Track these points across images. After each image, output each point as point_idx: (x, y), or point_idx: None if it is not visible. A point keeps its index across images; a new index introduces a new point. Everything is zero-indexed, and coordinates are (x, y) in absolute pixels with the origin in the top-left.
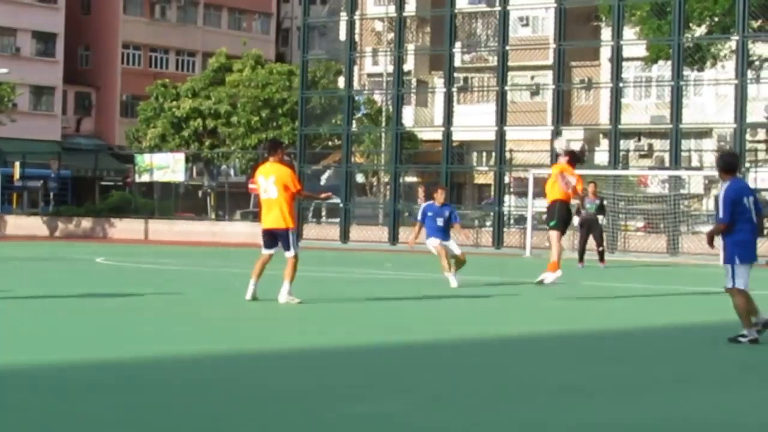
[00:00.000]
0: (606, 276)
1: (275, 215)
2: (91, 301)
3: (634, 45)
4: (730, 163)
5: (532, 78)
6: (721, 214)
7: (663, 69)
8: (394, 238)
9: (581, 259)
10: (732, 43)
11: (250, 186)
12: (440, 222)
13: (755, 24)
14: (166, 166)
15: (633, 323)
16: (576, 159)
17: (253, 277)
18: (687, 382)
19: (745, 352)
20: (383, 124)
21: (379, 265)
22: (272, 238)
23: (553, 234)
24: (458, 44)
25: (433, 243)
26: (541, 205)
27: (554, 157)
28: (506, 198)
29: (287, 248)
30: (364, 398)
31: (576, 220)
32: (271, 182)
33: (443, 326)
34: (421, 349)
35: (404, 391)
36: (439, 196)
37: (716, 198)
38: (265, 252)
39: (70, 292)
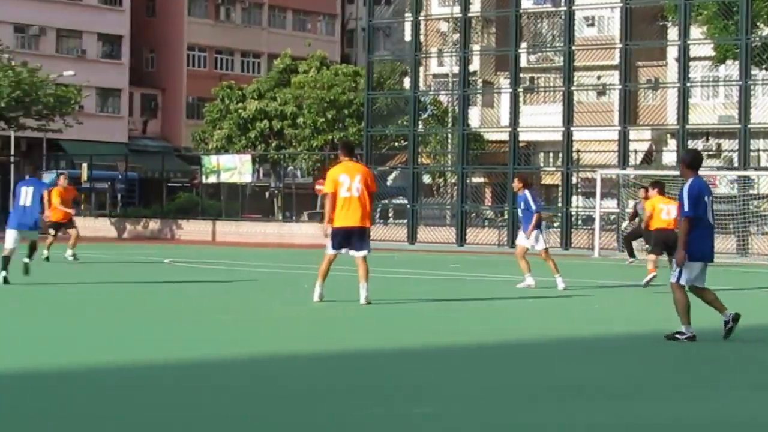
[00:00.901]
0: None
1: (359, 214)
2: (159, 302)
3: (701, 45)
4: (696, 159)
5: (599, 78)
6: (686, 208)
7: (730, 68)
8: (461, 239)
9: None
10: None
11: (317, 187)
12: (521, 213)
13: None
14: (233, 168)
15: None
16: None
17: (320, 278)
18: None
19: None
20: (449, 124)
21: (445, 266)
22: (347, 237)
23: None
24: (524, 44)
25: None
26: (609, 205)
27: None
28: (573, 199)
29: (362, 248)
30: (424, 399)
31: None
32: (357, 181)
33: (503, 326)
34: (484, 349)
35: (466, 392)
36: (516, 184)
37: (680, 194)
38: (332, 252)
39: (139, 294)
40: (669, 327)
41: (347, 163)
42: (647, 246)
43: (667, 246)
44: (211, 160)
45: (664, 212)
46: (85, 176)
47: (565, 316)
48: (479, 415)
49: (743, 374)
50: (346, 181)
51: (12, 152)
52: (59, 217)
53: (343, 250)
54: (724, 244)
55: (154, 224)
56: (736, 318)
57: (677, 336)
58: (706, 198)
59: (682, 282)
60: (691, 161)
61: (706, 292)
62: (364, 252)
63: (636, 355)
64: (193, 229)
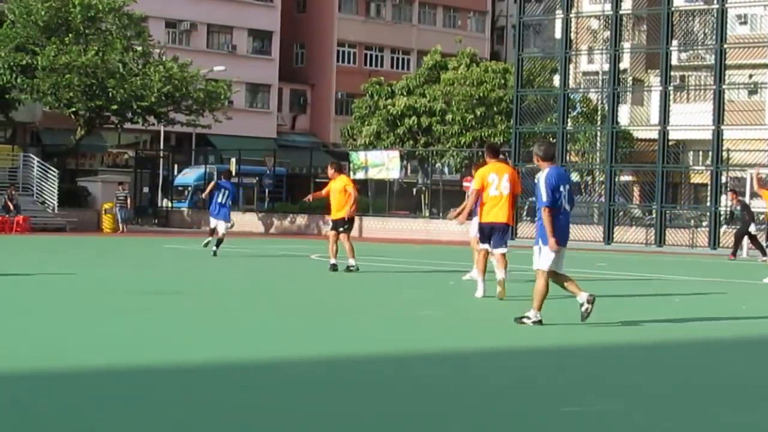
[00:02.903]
0: None
1: (504, 211)
2: (305, 297)
3: None
4: (548, 151)
5: (750, 77)
6: (543, 198)
7: None
8: (608, 238)
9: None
10: None
11: (465, 184)
12: None
13: None
14: (381, 164)
15: None
16: None
17: (480, 274)
18: None
19: None
20: (598, 122)
21: (591, 264)
22: (491, 232)
23: None
24: (675, 42)
25: None
26: (760, 205)
27: None
28: (723, 198)
29: (503, 245)
30: (579, 397)
31: None
32: (505, 179)
33: (653, 327)
34: (629, 348)
35: (615, 391)
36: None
37: (536, 183)
38: (483, 247)
39: (285, 289)
40: None
41: (495, 163)
42: None
43: None
44: (359, 156)
45: None
46: (233, 171)
47: (728, 315)
48: (679, 413)
49: None
50: (495, 179)
51: (162, 147)
52: None
53: (487, 246)
54: None
55: (301, 220)
56: (591, 300)
57: (524, 320)
58: (562, 187)
59: (543, 267)
60: (544, 153)
61: (561, 277)
62: (503, 249)
63: None
64: None
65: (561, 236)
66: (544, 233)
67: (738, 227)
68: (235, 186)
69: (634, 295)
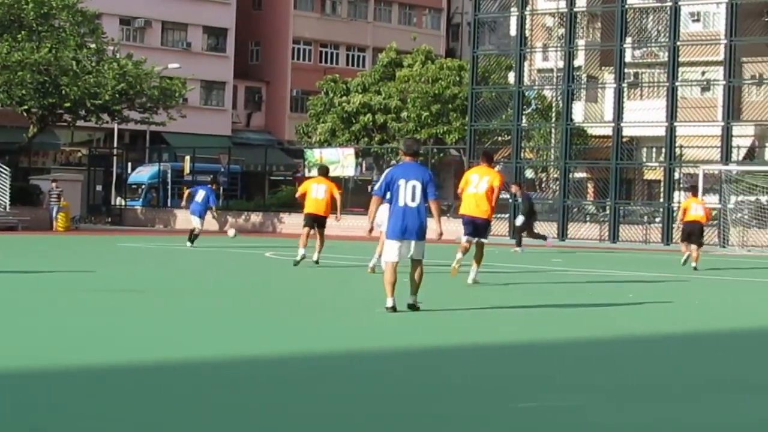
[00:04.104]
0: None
1: (483, 207)
2: (261, 295)
3: None
4: (410, 147)
5: (703, 74)
6: (376, 188)
7: None
8: (563, 234)
9: None
10: None
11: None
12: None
13: None
14: (336, 161)
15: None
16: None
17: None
18: None
19: None
20: (553, 119)
21: (547, 261)
22: (474, 226)
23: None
24: (629, 40)
25: None
26: (712, 201)
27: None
28: (675, 194)
29: (483, 236)
30: (534, 393)
31: None
32: (484, 181)
33: (614, 322)
34: (591, 345)
35: (580, 388)
36: None
37: None
38: (469, 240)
39: (238, 287)
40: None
41: (482, 167)
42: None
43: (692, 234)
44: (314, 154)
45: (692, 209)
46: (187, 169)
47: (681, 311)
48: (640, 409)
49: None
50: (475, 179)
51: (115, 144)
52: None
53: (475, 239)
54: None
55: (255, 217)
56: (393, 311)
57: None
58: (400, 181)
59: (386, 259)
60: (406, 148)
61: (391, 270)
62: (484, 240)
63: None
64: (294, 222)
65: (393, 230)
66: (387, 228)
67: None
68: (213, 189)
69: (589, 292)
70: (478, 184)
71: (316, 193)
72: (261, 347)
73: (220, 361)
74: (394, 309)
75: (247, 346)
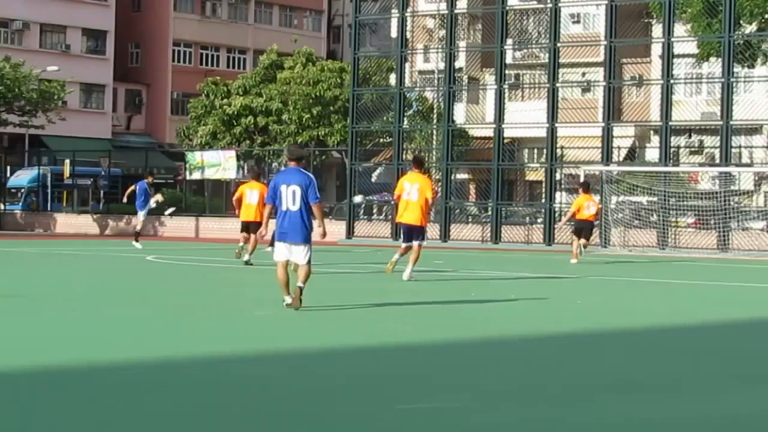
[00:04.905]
0: (656, 272)
1: (416, 214)
2: (143, 298)
3: (685, 42)
4: (293, 153)
5: (583, 75)
6: (266, 197)
7: (714, 66)
8: (445, 236)
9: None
10: None
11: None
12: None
13: None
14: (217, 164)
15: (684, 320)
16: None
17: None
18: (740, 378)
19: None
20: (434, 121)
21: (429, 262)
22: (410, 232)
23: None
24: (509, 41)
25: None
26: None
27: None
28: (557, 195)
29: (417, 239)
30: (415, 395)
31: None
32: (415, 189)
33: (494, 323)
34: (474, 345)
35: (461, 388)
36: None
37: None
38: (405, 245)
39: (119, 290)
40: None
41: (414, 174)
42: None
43: (582, 230)
44: (195, 157)
45: (585, 208)
46: (67, 173)
47: (563, 311)
48: (518, 411)
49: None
50: (408, 186)
51: None
52: None
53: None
54: (705, 240)
55: (136, 221)
56: (290, 308)
57: (284, 304)
58: (282, 187)
59: (275, 258)
60: (290, 154)
61: (282, 269)
62: (418, 242)
63: (651, 349)
64: (176, 225)
65: (278, 233)
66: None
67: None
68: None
69: (471, 293)
70: (410, 192)
71: (249, 198)
72: (139, 352)
73: (89, 368)
74: (291, 306)
75: (125, 351)
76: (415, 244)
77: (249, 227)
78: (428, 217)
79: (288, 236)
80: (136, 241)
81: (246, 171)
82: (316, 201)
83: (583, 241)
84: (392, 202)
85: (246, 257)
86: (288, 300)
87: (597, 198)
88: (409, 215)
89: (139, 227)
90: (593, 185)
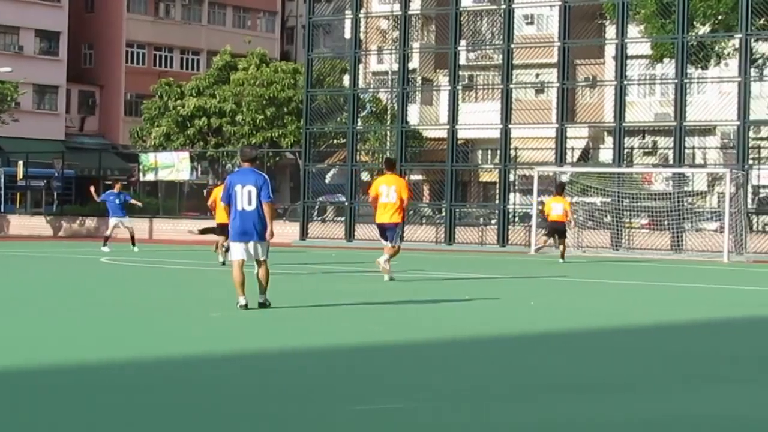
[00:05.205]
0: (610, 273)
1: (391, 213)
2: (98, 300)
3: (639, 43)
4: (245, 154)
5: (537, 76)
6: (222, 197)
7: (667, 67)
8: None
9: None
10: (735, 41)
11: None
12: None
13: (759, 22)
14: (171, 165)
15: (636, 320)
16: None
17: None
18: (691, 378)
19: (740, 346)
20: (388, 122)
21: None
22: (384, 231)
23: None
24: (463, 42)
25: None
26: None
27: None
28: (511, 196)
29: (392, 239)
30: (369, 396)
31: None
32: (392, 190)
33: (447, 324)
34: (427, 346)
35: (413, 389)
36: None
37: None
38: (383, 244)
39: (72, 292)
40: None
41: (389, 175)
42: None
43: (555, 231)
44: (148, 158)
45: (554, 209)
46: (20, 174)
47: (516, 312)
48: (465, 412)
49: (703, 368)
50: (385, 189)
51: None
52: None
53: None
54: (659, 240)
55: (90, 222)
56: (244, 308)
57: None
58: (237, 187)
59: (231, 258)
60: (242, 155)
61: (238, 270)
62: (395, 242)
63: (602, 349)
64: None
65: (234, 233)
66: (231, 231)
67: None
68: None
69: (424, 293)
70: (388, 194)
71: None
72: (93, 354)
73: (45, 368)
74: (246, 307)
75: (78, 352)
76: (391, 245)
77: (225, 229)
78: (404, 216)
79: (247, 236)
80: (105, 245)
81: (200, 172)
82: (268, 200)
83: (551, 241)
84: (346, 204)
85: (221, 258)
86: (242, 301)
87: (569, 199)
88: (386, 215)
89: (108, 232)
90: (547, 186)
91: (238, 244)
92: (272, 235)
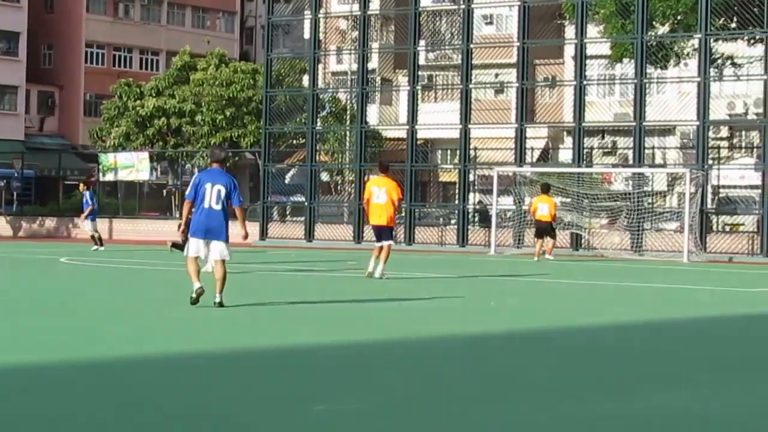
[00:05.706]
0: (571, 273)
1: (383, 215)
2: (57, 301)
3: (598, 43)
4: (213, 155)
5: (496, 76)
6: (187, 193)
7: (627, 67)
8: (358, 237)
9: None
10: (695, 42)
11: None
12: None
13: (718, 22)
14: (131, 165)
15: (598, 320)
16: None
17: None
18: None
19: (715, 348)
20: (348, 122)
21: (343, 264)
22: (379, 232)
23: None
24: (422, 42)
25: None
26: (506, 202)
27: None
28: (470, 196)
29: (387, 239)
30: (330, 397)
31: None
32: (383, 192)
33: (409, 325)
34: (387, 347)
35: (373, 390)
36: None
37: None
38: (378, 245)
39: (32, 292)
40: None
41: (380, 177)
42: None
43: (542, 231)
44: (108, 158)
45: (539, 210)
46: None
47: (476, 314)
48: (423, 412)
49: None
50: (375, 191)
51: None
52: None
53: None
54: (619, 240)
55: (50, 222)
56: (200, 293)
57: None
58: (207, 185)
59: (188, 254)
60: (211, 156)
61: (192, 262)
62: (387, 242)
63: (561, 349)
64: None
65: (197, 229)
66: (191, 227)
67: None
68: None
69: (384, 294)
70: (379, 195)
71: None
72: (50, 355)
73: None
74: (202, 289)
75: (36, 353)
76: (385, 244)
77: None
78: (396, 218)
79: (212, 234)
80: (100, 245)
81: (160, 172)
82: (239, 204)
83: (548, 240)
84: (305, 204)
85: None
86: (197, 285)
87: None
88: (379, 217)
89: (94, 233)
90: (507, 186)
91: (198, 240)
92: (246, 236)
